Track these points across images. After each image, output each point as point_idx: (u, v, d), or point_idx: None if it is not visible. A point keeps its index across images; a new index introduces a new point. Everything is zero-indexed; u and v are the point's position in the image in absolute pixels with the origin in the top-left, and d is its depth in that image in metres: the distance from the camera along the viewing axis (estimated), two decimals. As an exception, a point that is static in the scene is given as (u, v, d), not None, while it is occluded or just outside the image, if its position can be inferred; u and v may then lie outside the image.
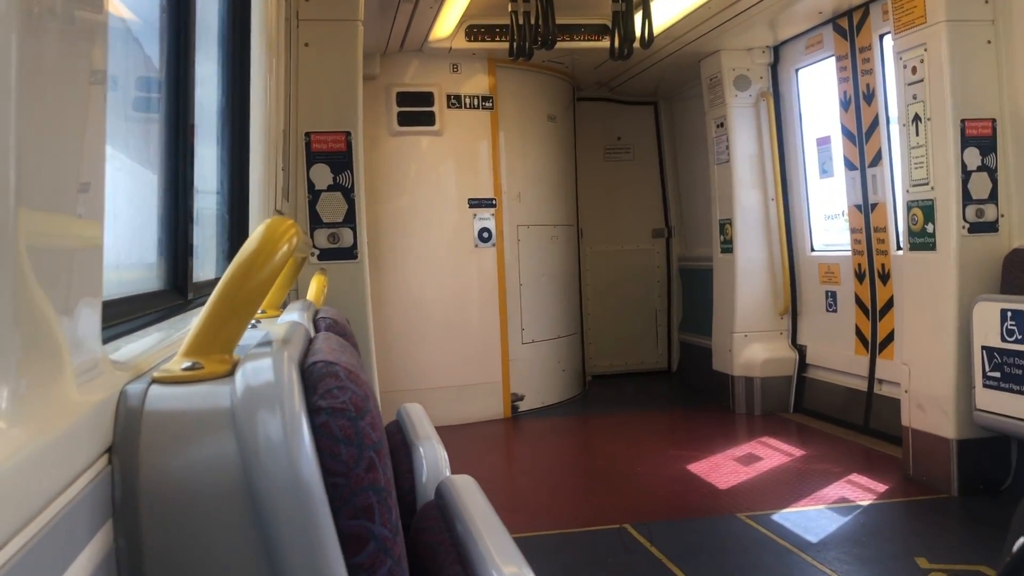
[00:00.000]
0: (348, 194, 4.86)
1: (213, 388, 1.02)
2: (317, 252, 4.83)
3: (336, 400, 1.00)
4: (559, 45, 6.34)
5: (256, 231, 1.15)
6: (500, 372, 7.81)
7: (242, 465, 0.94)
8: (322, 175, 4.85)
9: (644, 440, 6.92)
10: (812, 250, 7.45)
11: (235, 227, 3.42)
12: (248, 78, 3.50)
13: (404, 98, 7.61)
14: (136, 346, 1.38)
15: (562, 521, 4.86)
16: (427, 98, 7.65)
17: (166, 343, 1.45)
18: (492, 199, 7.81)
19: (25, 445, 0.69)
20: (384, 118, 7.55)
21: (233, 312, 1.10)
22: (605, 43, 6.56)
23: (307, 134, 4.82)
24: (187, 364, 1.06)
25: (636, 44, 5.99)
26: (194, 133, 2.38)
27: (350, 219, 4.89)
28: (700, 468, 5.85)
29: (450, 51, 7.39)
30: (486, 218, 7.77)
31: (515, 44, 6.06)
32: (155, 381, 1.03)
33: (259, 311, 2.15)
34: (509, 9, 5.98)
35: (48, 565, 0.75)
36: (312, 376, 1.03)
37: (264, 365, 1.00)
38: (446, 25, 6.80)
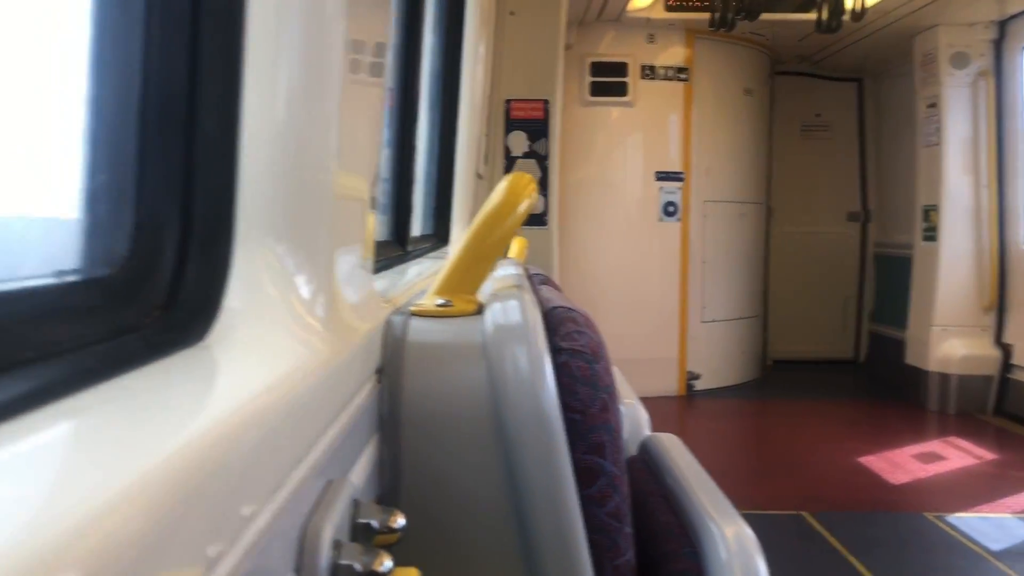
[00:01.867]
0: (543, 161, 4.98)
1: (464, 323, 1.12)
2: (510, 216, 4.98)
3: (576, 343, 1.08)
4: (763, 16, 6.15)
5: (500, 185, 1.24)
6: (677, 349, 7.76)
7: (491, 393, 1.03)
8: (519, 142, 4.99)
9: (825, 429, 6.70)
10: (1028, 242, 6.91)
11: (441, 188, 3.60)
12: (460, 45, 3.65)
13: (598, 68, 7.63)
14: (379, 285, 1.52)
15: (736, 502, 4.80)
16: (621, 68, 7.63)
17: (402, 285, 1.59)
18: (680, 173, 7.72)
19: (336, 352, 0.81)
20: (576, 88, 7.60)
21: (479, 258, 1.20)
22: (812, 15, 6.31)
23: (507, 101, 4.97)
24: (440, 301, 1.17)
25: (845, 17, 5.73)
26: (420, 99, 2.53)
27: (543, 186, 5.00)
28: (884, 462, 5.61)
29: (648, 21, 7.33)
30: (673, 192, 7.70)
31: (717, 15, 5.95)
32: (413, 314, 1.15)
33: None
34: (714, -22, 5.87)
35: (337, 467, 0.87)
36: (553, 319, 1.12)
37: (511, 306, 1.09)
38: (647, -6, 6.76)
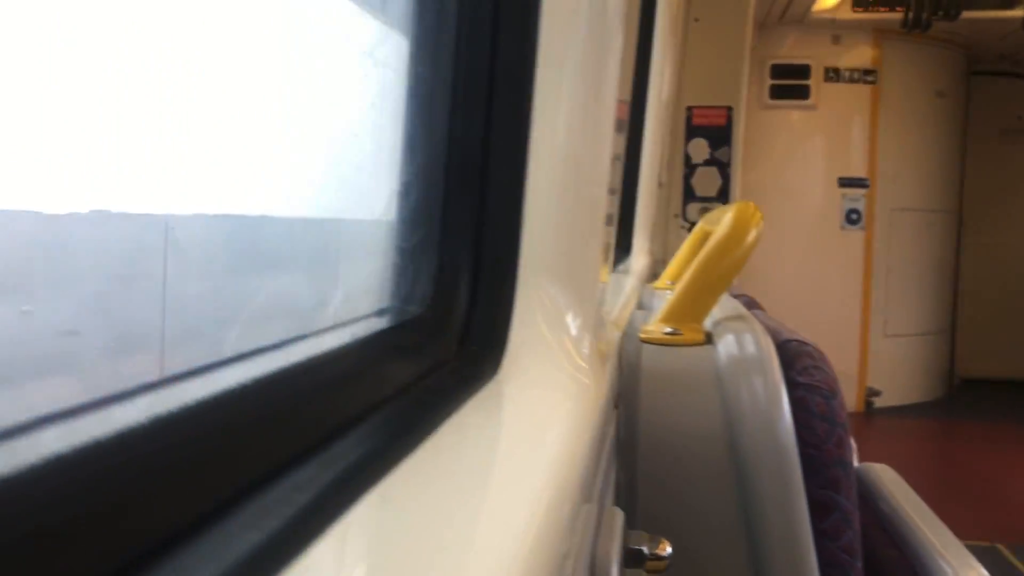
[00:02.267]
0: (724, 169, 4.91)
1: (694, 352, 1.16)
2: (688, 225, 4.95)
3: (812, 378, 1.09)
4: (964, 14, 5.80)
5: (727, 216, 1.26)
6: (856, 363, 7.43)
7: (725, 424, 1.06)
8: (699, 149, 4.94)
9: (1022, 455, 6.25)
10: None
11: (625, 197, 3.63)
12: (649, 54, 3.67)
13: (778, 71, 7.43)
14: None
15: (922, 527, 4.58)
16: (803, 71, 7.40)
17: (615, 306, 1.63)
18: (864, 179, 7.40)
19: (599, 387, 0.86)
20: (755, 90, 7.41)
21: (706, 288, 1.23)
22: (1019, 12, 5.89)
23: (688, 108, 4.93)
24: (668, 330, 1.21)
25: (1061, 13, 5.31)
26: (644, 113, 2.57)
27: (723, 194, 4.94)
28: (1092, 497, 5.18)
29: (833, 22, 7.07)
30: (856, 199, 7.39)
31: (910, 15, 5.66)
32: (643, 341, 1.19)
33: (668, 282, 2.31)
34: (909, -23, 5.60)
35: (595, 493, 0.92)
36: (787, 352, 1.13)
37: (746, 339, 1.11)
38: (835, -5, 6.52)
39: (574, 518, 0.65)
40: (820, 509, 1.05)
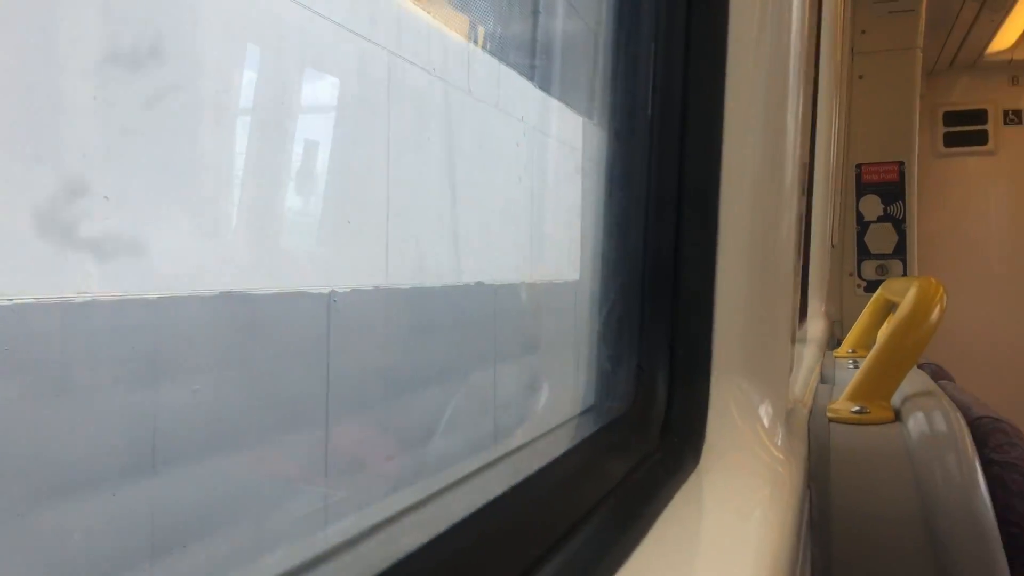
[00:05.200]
0: (899, 225, 4.75)
1: (883, 431, 1.18)
2: (865, 284, 4.80)
3: (1008, 455, 1.09)
4: None
5: (910, 293, 1.28)
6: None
7: (920, 502, 1.07)
8: (872, 206, 4.81)
9: None
10: None
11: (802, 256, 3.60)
12: (815, 112, 3.65)
13: (951, 118, 7.13)
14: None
15: None
16: (979, 116, 7.07)
17: (800, 378, 1.66)
18: (1057, 225, 6.92)
19: (793, 481, 0.91)
20: (928, 139, 7.14)
21: (892, 366, 1.25)
22: None
23: (858, 166, 4.83)
24: (856, 408, 1.24)
25: None
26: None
27: (900, 250, 4.77)
28: None
29: (1010, 62, 6.73)
30: (1049, 247, 6.91)
31: (1100, 50, 5.33)
32: (831, 420, 1.23)
33: (850, 350, 2.28)
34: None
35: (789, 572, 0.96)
36: (980, 429, 1.13)
37: (936, 416, 1.12)
38: (1011, 33, 6.23)
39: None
40: (1026, 591, 1.04)
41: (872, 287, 4.84)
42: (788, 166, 0.95)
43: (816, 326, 3.37)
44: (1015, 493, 1.06)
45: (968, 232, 7.07)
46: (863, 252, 4.77)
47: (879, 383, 1.24)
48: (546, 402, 0.86)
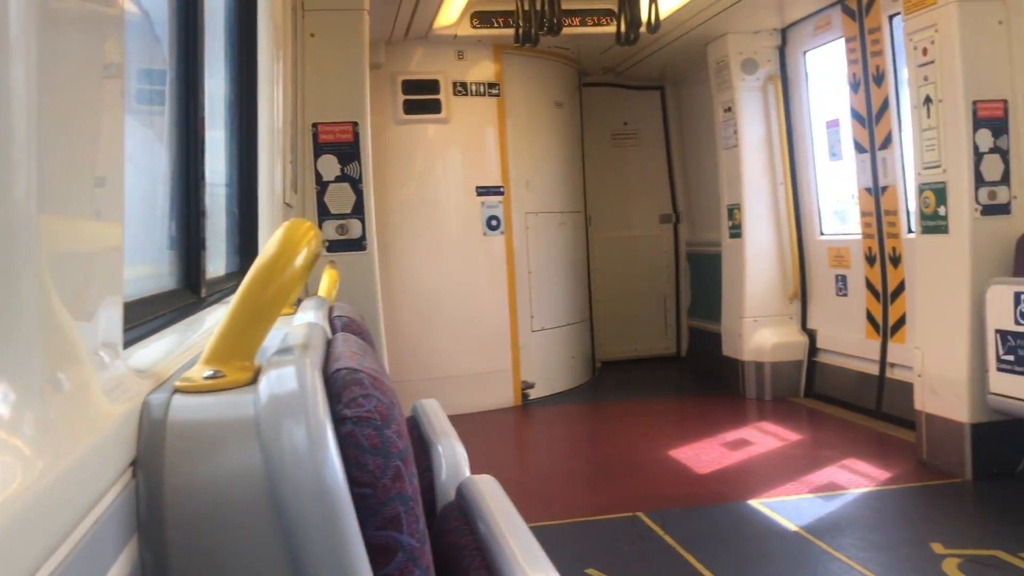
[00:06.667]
0: (356, 185, 4.85)
1: (236, 397, 1.01)
2: (326, 244, 4.82)
3: (362, 409, 0.99)
4: (565, 30, 6.28)
5: (275, 235, 1.13)
6: (510, 360, 7.80)
7: (267, 476, 0.92)
8: (330, 166, 4.83)
9: (655, 427, 6.91)
10: (821, 234, 7.41)
11: (244, 221, 3.41)
12: (255, 70, 3.47)
13: (410, 86, 7.58)
14: (153, 351, 1.36)
15: (575, 510, 4.86)
16: (433, 86, 7.62)
17: (184, 346, 1.43)
18: (500, 187, 7.78)
19: (52, 467, 0.68)
20: (390, 106, 7.52)
21: (254, 319, 1.08)
22: (611, 28, 6.51)
23: (314, 125, 4.80)
24: (209, 372, 1.05)
25: (642, 29, 5.94)
26: (204, 126, 2.35)
27: (358, 210, 4.87)
28: (712, 454, 5.84)
29: (455, 38, 7.34)
30: (494, 206, 7.75)
31: (521, 30, 6.02)
32: (177, 391, 1.02)
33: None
34: (515, -5, 5.94)
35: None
36: (336, 384, 1.02)
37: (287, 373, 0.98)
38: (451, 12, 6.76)
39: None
40: (381, 553, 0.96)
41: (334, 246, 4.89)
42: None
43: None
44: (368, 449, 0.97)
45: (430, 195, 7.63)
46: (323, 212, 4.78)
47: (238, 341, 1.07)
48: None
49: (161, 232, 2.25)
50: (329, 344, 1.27)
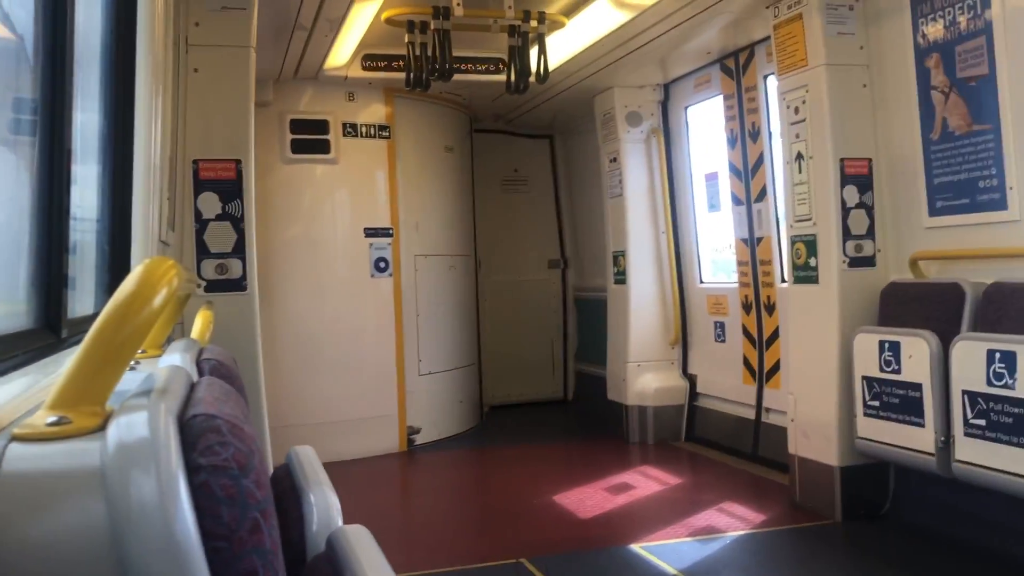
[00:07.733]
0: (238, 223, 4.71)
1: (81, 445, 0.94)
2: (204, 284, 4.65)
3: (217, 457, 0.94)
4: (456, 77, 6.35)
5: (133, 272, 1.07)
6: (396, 405, 7.69)
7: (112, 531, 0.86)
8: (210, 204, 4.69)
9: (541, 472, 6.92)
10: (701, 282, 7.66)
11: (116, 258, 3.25)
12: (132, 104, 3.35)
13: (298, 125, 7.49)
14: (-3, 395, 1.27)
15: (458, 557, 4.78)
16: (322, 126, 7.55)
17: (34, 390, 1.34)
18: (389, 228, 7.74)
19: None
20: (277, 145, 7.40)
21: (106, 360, 1.02)
22: (502, 77, 6.62)
23: (195, 161, 4.66)
24: (53, 418, 0.97)
25: (532, 79, 6.07)
26: (71, 158, 2.24)
27: (239, 249, 4.73)
28: (596, 499, 5.88)
29: (346, 79, 7.31)
30: (383, 247, 7.69)
31: (412, 75, 6.05)
32: (15, 439, 0.94)
33: (139, 351, 2.03)
34: (406, 40, 5.97)
35: None
36: (191, 431, 0.97)
37: (139, 419, 0.92)
38: (342, 54, 6.73)
39: None
40: (236, 611, 0.90)
41: (213, 286, 4.72)
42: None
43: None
44: (223, 500, 0.92)
45: (317, 235, 7.51)
46: (202, 250, 4.62)
47: (89, 384, 1.00)
48: None
49: (26, 268, 2.12)
50: (192, 389, 1.20)
